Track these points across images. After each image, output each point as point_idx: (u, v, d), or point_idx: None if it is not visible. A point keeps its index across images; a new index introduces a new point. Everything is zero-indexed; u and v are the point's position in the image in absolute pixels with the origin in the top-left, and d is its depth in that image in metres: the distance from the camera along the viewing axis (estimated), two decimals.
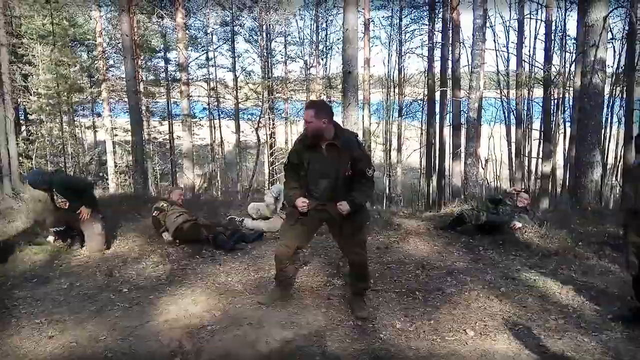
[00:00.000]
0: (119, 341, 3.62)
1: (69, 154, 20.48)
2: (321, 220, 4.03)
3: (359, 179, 3.80)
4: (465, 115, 13.47)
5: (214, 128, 25.53)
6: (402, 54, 25.00)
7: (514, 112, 19.78)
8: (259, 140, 15.06)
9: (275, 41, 25.18)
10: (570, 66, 18.05)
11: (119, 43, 18.18)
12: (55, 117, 20.25)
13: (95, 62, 21.33)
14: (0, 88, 14.77)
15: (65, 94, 20.01)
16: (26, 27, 18.45)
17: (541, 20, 19.15)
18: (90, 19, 20.99)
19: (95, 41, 20.56)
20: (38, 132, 20.14)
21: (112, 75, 22.29)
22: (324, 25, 24.48)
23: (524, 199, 6.70)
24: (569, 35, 19.74)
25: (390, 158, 26.32)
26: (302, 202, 3.85)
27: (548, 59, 17.22)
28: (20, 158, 17.48)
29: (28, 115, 21.71)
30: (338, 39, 23.68)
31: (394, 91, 25.90)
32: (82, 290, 4.67)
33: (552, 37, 18.03)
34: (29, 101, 19.22)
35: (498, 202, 6.67)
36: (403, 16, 24.50)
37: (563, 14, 19.23)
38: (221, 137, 25.49)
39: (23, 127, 21.63)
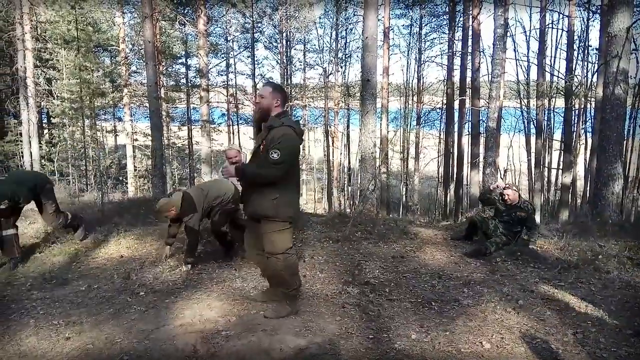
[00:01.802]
0: (135, 344, 3.65)
1: (90, 158, 20.79)
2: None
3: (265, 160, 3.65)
4: (484, 124, 13.37)
5: (233, 134, 25.73)
6: (422, 62, 24.98)
7: (534, 122, 19.59)
8: None
9: (295, 48, 25.40)
10: (592, 77, 17.87)
11: (141, 49, 18.45)
12: (77, 120, 20.61)
13: (118, 67, 21.68)
14: (25, 92, 15.11)
15: (88, 98, 20.36)
16: (51, 33, 18.82)
17: (563, 30, 18.99)
18: (114, 25, 21.35)
19: (118, 47, 20.90)
20: (60, 135, 20.52)
21: (134, 81, 22.61)
22: (343, 34, 24.63)
23: (510, 195, 6.37)
24: (590, 46, 19.55)
25: (407, 166, 26.22)
26: None
27: (569, 69, 17.03)
28: (43, 160, 17.79)
29: (51, 119, 22.12)
30: (357, 47, 23.81)
31: (413, 99, 25.85)
32: (100, 293, 4.73)
33: (574, 47, 17.84)
34: (52, 105, 19.59)
35: (491, 203, 6.61)
36: (423, 24, 24.51)
37: (585, 23, 19.06)
38: (239, 143, 25.66)
39: (46, 130, 22.05)
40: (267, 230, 3.83)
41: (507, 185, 6.55)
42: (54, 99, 19.37)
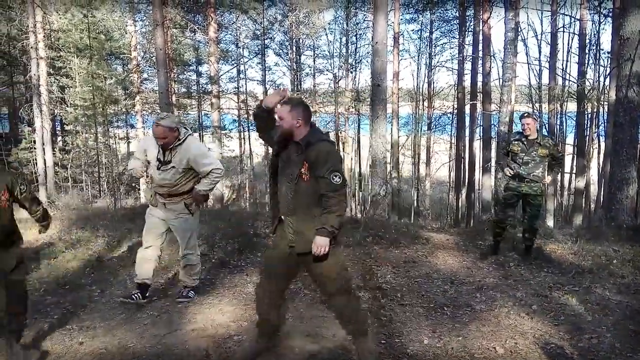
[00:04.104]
0: (147, 349, 3.66)
1: (103, 164, 20.96)
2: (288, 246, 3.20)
3: (323, 193, 3.04)
4: (496, 128, 13.30)
5: (243, 140, 25.83)
6: (432, 67, 24.95)
7: (546, 126, 19.45)
8: None
9: (305, 54, 25.46)
10: (604, 80, 17.72)
11: (152, 56, 18.62)
12: (90, 128, 20.80)
13: (130, 75, 21.87)
14: (38, 99, 15.30)
15: (101, 105, 20.54)
16: (64, 41, 19.04)
17: (574, 34, 18.88)
18: (126, 34, 21.56)
19: (130, 55, 21.09)
20: (74, 142, 20.69)
21: (146, 88, 22.80)
22: (353, 39, 24.65)
23: (530, 124, 5.66)
24: (602, 49, 19.43)
25: (418, 171, 26.14)
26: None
27: (581, 72, 16.91)
28: (56, 167, 17.97)
29: (64, 126, 22.34)
30: (367, 52, 23.78)
31: (423, 104, 25.80)
32: (113, 298, 4.76)
33: (586, 51, 17.71)
34: (65, 112, 19.79)
35: (508, 147, 5.94)
36: (433, 29, 24.48)
37: (597, 27, 18.94)
38: (250, 149, 25.74)
39: (59, 138, 22.27)
40: (329, 262, 3.16)
41: (526, 114, 5.89)
42: (67, 106, 19.55)
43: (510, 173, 5.80)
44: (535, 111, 20.85)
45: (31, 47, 15.50)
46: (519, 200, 5.88)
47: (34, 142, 16.62)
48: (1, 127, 24.81)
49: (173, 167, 4.20)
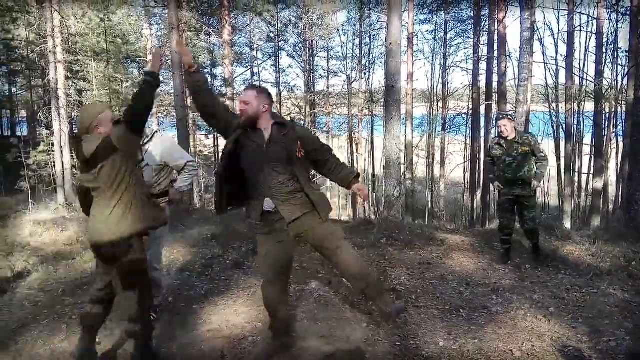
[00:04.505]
0: (163, 349, 3.69)
1: None
2: (289, 234, 3.31)
3: (326, 159, 3.39)
4: None
5: None
6: (446, 67, 24.78)
7: (563, 126, 19.21)
8: None
9: (318, 56, 25.46)
10: (622, 79, 17.46)
11: (168, 60, 18.79)
12: None
13: None
14: (57, 103, 15.51)
15: (118, 108, 20.77)
16: (81, 45, 19.28)
17: (591, 32, 18.63)
18: (142, 37, 21.79)
19: (146, 58, 21.30)
20: None
21: (162, 91, 22.98)
22: (367, 40, 24.59)
23: (506, 125, 5.57)
24: (620, 48, 19.12)
25: (433, 172, 25.98)
26: None
27: (599, 71, 16.66)
28: (74, 170, 18.16)
29: None
30: (381, 53, 23.73)
31: (438, 105, 25.65)
32: None
33: (604, 50, 17.47)
34: None
35: (493, 154, 5.82)
36: (448, 30, 24.35)
37: (614, 25, 18.66)
38: None
39: None
40: (333, 228, 3.46)
41: (502, 116, 5.78)
42: None
43: (499, 187, 5.78)
44: (552, 111, 20.65)
45: (49, 51, 15.72)
46: (515, 203, 5.80)
47: (52, 144, 16.82)
48: (20, 130, 25.21)
49: (147, 164, 3.93)
